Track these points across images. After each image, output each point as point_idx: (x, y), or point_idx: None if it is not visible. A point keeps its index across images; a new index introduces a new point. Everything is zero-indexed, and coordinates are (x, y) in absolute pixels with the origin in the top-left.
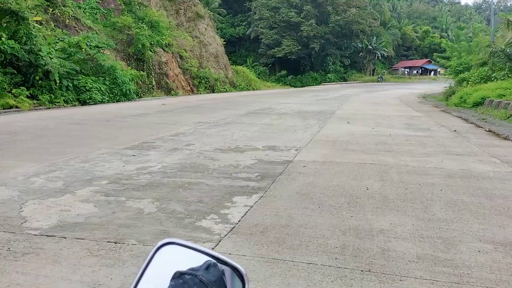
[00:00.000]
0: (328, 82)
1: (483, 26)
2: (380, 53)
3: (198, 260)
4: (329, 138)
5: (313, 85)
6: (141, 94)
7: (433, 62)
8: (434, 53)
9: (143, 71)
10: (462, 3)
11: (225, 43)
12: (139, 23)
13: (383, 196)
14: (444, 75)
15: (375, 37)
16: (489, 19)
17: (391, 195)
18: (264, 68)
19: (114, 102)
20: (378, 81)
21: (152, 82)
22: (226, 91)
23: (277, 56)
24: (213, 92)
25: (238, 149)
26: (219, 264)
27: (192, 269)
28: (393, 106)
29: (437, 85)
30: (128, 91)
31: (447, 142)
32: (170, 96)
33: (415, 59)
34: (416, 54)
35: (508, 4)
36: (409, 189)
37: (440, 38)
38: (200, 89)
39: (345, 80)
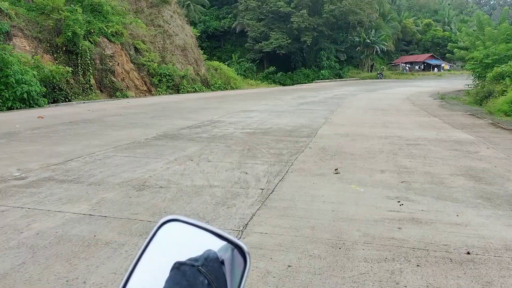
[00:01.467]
0: (322, 79)
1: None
2: (379, 48)
3: (201, 238)
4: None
5: (305, 82)
6: (71, 97)
7: (436, 56)
8: (449, 44)
9: (75, 67)
10: None
11: (197, 35)
12: (72, 5)
13: None
14: (449, 70)
15: (373, 30)
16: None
17: None
18: (250, 64)
19: None
20: (378, 78)
21: (89, 81)
22: (196, 91)
23: (265, 51)
24: (178, 92)
25: None
26: (219, 253)
27: (191, 259)
28: (409, 115)
29: (446, 82)
30: (27, 95)
31: None
32: (115, 98)
33: (416, 54)
34: (417, 48)
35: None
36: None
37: (443, 32)
38: (160, 88)
39: (340, 77)
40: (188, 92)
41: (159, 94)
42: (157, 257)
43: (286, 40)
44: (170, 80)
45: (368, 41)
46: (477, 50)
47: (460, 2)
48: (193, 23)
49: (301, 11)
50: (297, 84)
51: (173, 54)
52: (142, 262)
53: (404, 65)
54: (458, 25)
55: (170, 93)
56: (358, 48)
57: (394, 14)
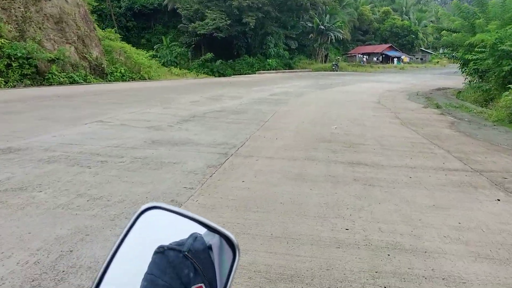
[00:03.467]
0: (268, 69)
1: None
2: (334, 35)
3: (185, 226)
4: None
5: (248, 73)
6: None
7: (395, 48)
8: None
9: None
10: None
11: (93, 4)
12: None
13: None
14: (409, 63)
15: (328, 16)
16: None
17: None
18: (183, 49)
19: None
20: (333, 70)
21: None
22: (75, 81)
23: (200, 33)
24: (42, 84)
25: None
26: (206, 237)
27: (176, 243)
28: (426, 171)
29: (412, 77)
30: None
31: None
32: None
33: (374, 44)
34: (374, 39)
35: None
36: None
37: (402, 21)
38: (12, 76)
39: (290, 67)
40: (61, 83)
41: (8, 88)
42: (138, 245)
43: (225, 21)
44: (27, 66)
45: (322, 27)
46: (487, 31)
47: None
48: None
49: None
50: (239, 74)
51: (40, 28)
52: (122, 250)
53: (361, 56)
54: (416, 14)
55: (30, 85)
56: (311, 35)
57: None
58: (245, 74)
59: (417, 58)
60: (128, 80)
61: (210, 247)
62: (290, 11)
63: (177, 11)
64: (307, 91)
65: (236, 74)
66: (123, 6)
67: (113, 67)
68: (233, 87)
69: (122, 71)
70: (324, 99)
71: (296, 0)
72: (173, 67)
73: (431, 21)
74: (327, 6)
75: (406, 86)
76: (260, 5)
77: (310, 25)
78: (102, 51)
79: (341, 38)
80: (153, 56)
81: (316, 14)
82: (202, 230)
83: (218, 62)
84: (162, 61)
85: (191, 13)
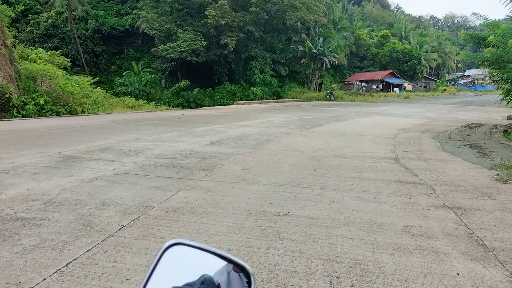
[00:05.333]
0: (252, 99)
1: (449, 36)
2: (329, 61)
3: (206, 260)
4: None
5: (229, 102)
6: None
7: (396, 74)
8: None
9: None
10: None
11: (10, 15)
12: None
13: None
14: (412, 91)
15: (321, 39)
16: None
17: None
18: (154, 76)
19: None
20: (327, 99)
21: None
22: None
23: (173, 57)
24: None
25: None
26: (216, 277)
27: (188, 283)
28: None
29: (423, 108)
30: None
31: None
32: None
33: (373, 71)
34: (373, 65)
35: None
36: None
37: (402, 45)
38: None
39: (279, 97)
40: None
41: None
42: (162, 282)
43: (200, 42)
44: None
45: (315, 51)
46: None
47: (412, 18)
48: (81, 18)
49: (219, 1)
50: (219, 105)
51: None
52: (149, 285)
53: (360, 83)
54: (417, 39)
55: None
56: (303, 60)
57: (346, 22)
58: (226, 104)
59: (420, 86)
60: (49, 115)
61: (218, 286)
62: (277, 32)
63: (145, 31)
64: (280, 133)
65: (216, 104)
66: (89, 28)
67: (29, 98)
68: (169, 127)
69: (41, 102)
70: (297, 152)
71: (283, 18)
72: (141, 98)
73: (433, 46)
74: (320, 29)
75: (422, 121)
76: (241, 23)
77: (302, 49)
78: (11, 76)
79: (337, 64)
80: (121, 84)
81: (308, 36)
82: (219, 263)
83: (195, 90)
84: (129, 89)
85: (161, 34)
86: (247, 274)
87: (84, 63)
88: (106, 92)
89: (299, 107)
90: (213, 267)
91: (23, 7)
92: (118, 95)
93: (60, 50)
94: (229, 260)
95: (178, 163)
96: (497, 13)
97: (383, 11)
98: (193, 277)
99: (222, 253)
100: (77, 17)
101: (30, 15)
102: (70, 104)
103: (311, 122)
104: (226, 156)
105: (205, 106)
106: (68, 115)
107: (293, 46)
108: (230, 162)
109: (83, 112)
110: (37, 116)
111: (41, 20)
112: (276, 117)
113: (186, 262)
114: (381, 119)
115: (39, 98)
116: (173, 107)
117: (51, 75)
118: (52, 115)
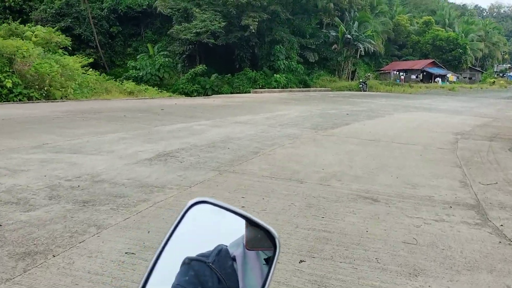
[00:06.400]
0: (275, 87)
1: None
2: (364, 47)
3: (230, 221)
4: None
5: (248, 90)
6: None
7: (439, 64)
8: None
9: None
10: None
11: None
12: None
13: None
14: (456, 82)
15: (356, 23)
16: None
17: None
18: (168, 59)
19: None
20: (360, 89)
21: None
22: None
23: (191, 40)
24: None
25: None
26: (231, 248)
27: (202, 254)
28: None
29: (476, 103)
30: None
31: None
32: None
33: (412, 59)
34: (412, 53)
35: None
36: None
37: (446, 32)
38: None
39: (306, 85)
40: None
41: None
42: (182, 243)
43: (219, 23)
44: None
45: (349, 36)
46: None
47: (457, 5)
48: None
49: None
50: (237, 92)
51: None
52: (170, 245)
53: (397, 73)
54: (462, 26)
55: None
56: (335, 46)
57: (385, 7)
58: (244, 92)
59: (464, 77)
60: (18, 100)
61: (234, 258)
62: (306, 14)
63: (158, 10)
64: (283, 137)
65: (235, 92)
66: (105, 7)
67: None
68: (130, 123)
69: (8, 85)
70: (291, 184)
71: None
72: (154, 83)
73: (479, 35)
74: (355, 12)
75: (480, 120)
76: (265, 3)
77: (334, 34)
78: None
79: (373, 51)
80: (133, 68)
81: (342, 21)
82: (243, 226)
83: (213, 76)
84: (141, 73)
85: (177, 13)
86: (272, 238)
87: (98, 44)
88: (117, 77)
89: (325, 98)
90: (235, 229)
91: None
92: (130, 79)
93: (74, 31)
94: (253, 223)
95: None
96: None
97: None
98: (211, 243)
99: (247, 215)
100: None
101: None
102: (46, 88)
103: (333, 119)
104: (125, 203)
105: (223, 93)
106: (43, 100)
107: (324, 31)
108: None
109: (65, 97)
110: (3, 102)
111: None
112: (291, 111)
113: (207, 223)
114: (425, 115)
115: (6, 80)
116: (187, 94)
117: (23, 53)
118: (22, 100)
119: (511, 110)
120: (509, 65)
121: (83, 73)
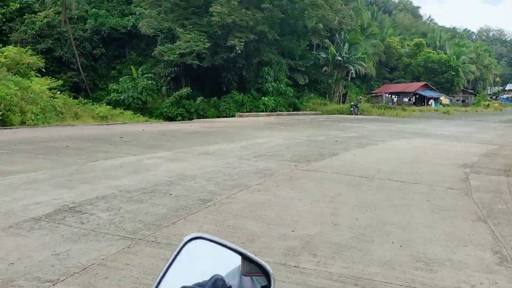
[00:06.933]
0: (262, 110)
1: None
2: (355, 69)
3: (225, 256)
4: None
5: (234, 114)
6: None
7: (431, 86)
8: None
9: None
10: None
11: None
12: None
13: None
14: (449, 105)
15: (347, 45)
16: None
17: None
18: (151, 82)
19: None
20: (351, 113)
21: None
22: None
23: (170, 60)
24: None
25: None
26: (227, 278)
27: (198, 284)
28: None
29: (474, 127)
30: None
31: None
32: None
33: (404, 82)
34: (404, 76)
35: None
36: None
37: (438, 54)
38: None
39: (296, 108)
40: None
41: None
42: (180, 275)
43: (203, 43)
44: None
45: (339, 58)
46: None
47: (447, 28)
48: (80, 18)
49: None
50: (224, 116)
51: None
52: (166, 280)
53: (390, 96)
54: (454, 49)
55: None
56: (325, 68)
57: (375, 29)
58: (232, 116)
59: (457, 100)
60: None
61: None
62: (295, 35)
63: (140, 31)
64: (252, 176)
65: (221, 116)
66: (88, 28)
67: None
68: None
69: None
70: None
71: (302, 18)
72: (136, 107)
73: (470, 58)
74: (346, 34)
75: (485, 148)
76: (252, 23)
77: (324, 56)
78: None
79: (364, 73)
80: (114, 91)
81: (332, 43)
82: (238, 261)
83: (199, 100)
84: (122, 97)
85: (161, 34)
86: (266, 275)
87: (80, 66)
88: (100, 100)
89: (314, 122)
90: (231, 264)
91: (18, 5)
92: (111, 104)
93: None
94: (249, 259)
95: None
96: None
97: (416, 20)
98: (207, 275)
99: (242, 251)
100: (75, 17)
101: (26, 14)
102: (1, 113)
103: (320, 148)
104: None
105: (209, 117)
106: None
107: (314, 52)
108: None
109: (23, 123)
110: None
111: (37, 19)
112: (274, 138)
113: (203, 257)
114: (423, 143)
115: None
116: (171, 118)
117: None
118: None
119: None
120: (501, 87)
121: (51, 96)
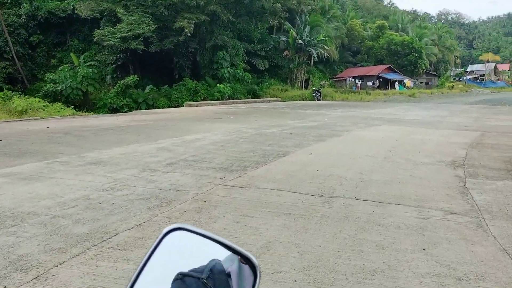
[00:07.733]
0: (218, 98)
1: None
2: (317, 53)
3: (207, 248)
4: None
5: (181, 104)
6: None
7: (395, 69)
8: None
9: None
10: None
11: None
12: None
13: None
14: (414, 88)
15: (308, 28)
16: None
17: None
18: (93, 70)
19: None
20: (313, 99)
21: None
22: None
23: (111, 44)
24: None
25: None
26: (225, 264)
27: (195, 270)
28: None
29: (444, 111)
30: None
31: None
32: None
33: (367, 65)
34: (367, 59)
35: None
36: None
37: (401, 36)
38: None
39: (256, 95)
40: None
41: None
42: (161, 267)
43: (148, 25)
44: None
45: (301, 41)
46: None
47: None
48: (14, 2)
49: None
50: (176, 106)
51: None
52: (145, 271)
53: (353, 80)
54: (416, 31)
55: None
56: (286, 52)
57: (337, 11)
58: (182, 105)
59: (421, 82)
60: None
61: (228, 274)
62: (252, 16)
63: (76, 12)
64: (154, 196)
65: (173, 106)
66: (22, 13)
67: None
68: None
69: None
70: None
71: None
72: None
73: (432, 40)
74: (307, 16)
75: (466, 135)
76: (202, 3)
77: (285, 39)
78: None
79: (326, 57)
80: (51, 81)
81: (293, 26)
82: (223, 252)
83: (148, 88)
84: (59, 88)
85: (103, 17)
86: (252, 266)
87: (14, 56)
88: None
89: (271, 110)
90: (217, 255)
91: None
92: (48, 96)
93: None
94: (234, 250)
95: None
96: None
97: (378, 3)
98: (196, 264)
99: (227, 242)
100: (7, 0)
101: None
102: None
103: (267, 145)
104: None
105: (159, 107)
106: None
107: (274, 36)
108: None
109: None
110: None
111: None
112: (213, 132)
113: (188, 248)
114: (394, 131)
115: None
116: (116, 110)
117: None
118: None
119: (490, 119)
120: (462, 69)
121: None
